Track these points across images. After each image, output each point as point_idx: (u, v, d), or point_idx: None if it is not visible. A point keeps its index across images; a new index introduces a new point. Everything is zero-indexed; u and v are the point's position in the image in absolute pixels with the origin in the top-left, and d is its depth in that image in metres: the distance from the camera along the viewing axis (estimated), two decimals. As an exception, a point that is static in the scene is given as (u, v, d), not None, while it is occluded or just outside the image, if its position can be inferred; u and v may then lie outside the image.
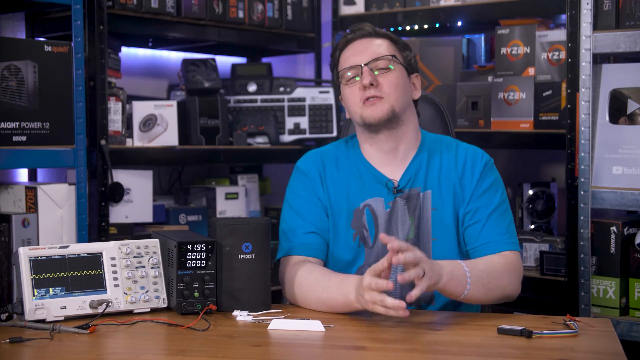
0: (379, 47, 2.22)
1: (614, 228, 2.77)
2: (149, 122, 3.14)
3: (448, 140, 2.31)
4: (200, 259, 2.09)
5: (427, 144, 2.27)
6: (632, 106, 2.77)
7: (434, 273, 1.95)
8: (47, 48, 2.61)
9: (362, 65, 2.19)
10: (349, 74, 2.21)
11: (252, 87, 3.54)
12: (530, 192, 3.41)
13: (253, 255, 2.10)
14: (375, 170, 2.24)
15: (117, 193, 2.95)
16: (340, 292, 2.05)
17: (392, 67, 2.20)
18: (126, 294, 2.09)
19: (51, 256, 2.05)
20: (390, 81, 2.19)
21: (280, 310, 2.12)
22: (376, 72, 2.19)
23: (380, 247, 2.20)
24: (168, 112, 3.18)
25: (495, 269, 2.12)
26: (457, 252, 2.21)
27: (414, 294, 1.89)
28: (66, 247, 2.08)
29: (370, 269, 1.95)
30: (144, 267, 2.13)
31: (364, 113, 2.19)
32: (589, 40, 2.76)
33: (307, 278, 2.14)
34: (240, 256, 2.10)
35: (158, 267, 2.14)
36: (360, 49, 2.22)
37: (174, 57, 3.72)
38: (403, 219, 2.21)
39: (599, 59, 2.84)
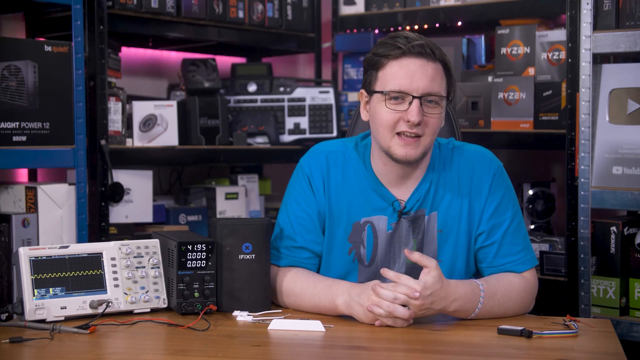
0: (435, 78, 2.06)
1: (614, 228, 2.77)
2: (149, 122, 3.14)
3: (454, 151, 2.19)
4: (201, 259, 2.09)
5: (435, 160, 2.17)
6: (632, 106, 2.77)
7: (442, 295, 1.96)
8: (47, 48, 2.61)
9: (414, 96, 2.04)
10: (392, 93, 2.06)
11: (252, 87, 3.54)
12: (530, 192, 3.41)
13: (253, 255, 2.10)
14: (384, 188, 2.16)
15: (117, 193, 2.95)
16: (327, 298, 2.06)
17: (439, 103, 2.07)
18: (126, 294, 2.09)
19: (51, 256, 2.05)
20: (433, 123, 2.06)
21: (280, 310, 2.12)
22: (423, 106, 2.05)
23: (378, 267, 2.15)
24: (168, 112, 3.18)
25: (512, 297, 2.08)
26: (464, 273, 2.17)
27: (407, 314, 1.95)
28: (66, 247, 2.08)
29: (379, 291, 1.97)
30: (144, 267, 2.13)
31: (394, 148, 2.07)
32: (589, 40, 2.76)
33: (293, 288, 2.13)
34: (241, 256, 2.10)
35: (158, 267, 2.14)
36: (416, 74, 2.04)
37: (174, 57, 3.72)
38: (406, 240, 2.16)
39: (599, 59, 2.84)
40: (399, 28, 3.58)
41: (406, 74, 2.05)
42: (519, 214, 2.19)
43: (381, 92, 2.07)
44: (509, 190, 2.19)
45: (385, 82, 2.07)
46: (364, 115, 2.17)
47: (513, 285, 2.10)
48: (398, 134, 2.06)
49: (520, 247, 2.15)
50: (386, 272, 1.99)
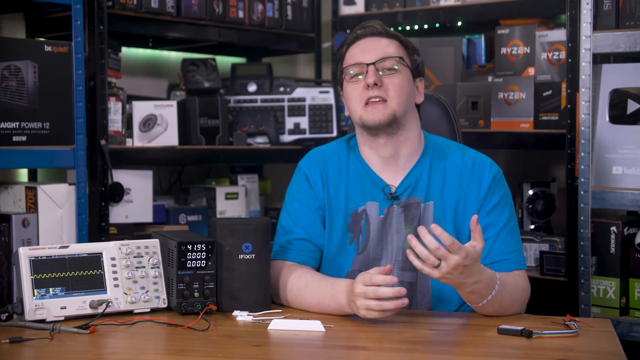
0: (388, 47, 2.18)
1: (614, 228, 2.77)
2: (149, 122, 3.14)
3: (453, 148, 2.24)
4: (200, 259, 2.09)
5: (430, 150, 2.22)
6: (632, 106, 2.77)
7: (471, 272, 1.92)
8: (47, 48, 2.61)
9: (368, 64, 2.15)
10: (352, 71, 2.18)
11: (252, 87, 3.54)
12: (530, 192, 3.41)
13: (253, 255, 2.10)
14: (374, 174, 2.21)
15: (117, 193, 2.95)
16: (331, 296, 2.06)
17: (397, 69, 2.16)
18: (126, 294, 2.09)
19: (51, 256, 2.05)
20: (394, 83, 2.15)
21: (280, 310, 2.12)
22: (381, 73, 2.15)
23: (370, 254, 2.17)
24: (168, 112, 3.18)
25: (519, 290, 2.10)
26: None
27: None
28: (66, 247, 2.08)
29: (362, 278, 1.94)
30: (144, 267, 2.13)
31: (364, 115, 2.15)
32: (589, 40, 2.76)
33: (297, 283, 2.14)
34: (240, 256, 2.10)
35: (158, 267, 2.14)
36: (368, 48, 2.18)
37: (174, 57, 3.72)
38: (398, 227, 2.17)
39: (599, 59, 2.84)
40: (399, 28, 3.58)
41: (360, 49, 2.20)
42: (515, 219, 2.21)
43: (342, 75, 2.22)
44: (507, 195, 2.21)
45: (345, 65, 2.22)
46: (346, 112, 2.26)
47: (518, 281, 2.11)
48: (366, 104, 2.15)
49: (514, 248, 2.16)
50: (441, 234, 1.88)
